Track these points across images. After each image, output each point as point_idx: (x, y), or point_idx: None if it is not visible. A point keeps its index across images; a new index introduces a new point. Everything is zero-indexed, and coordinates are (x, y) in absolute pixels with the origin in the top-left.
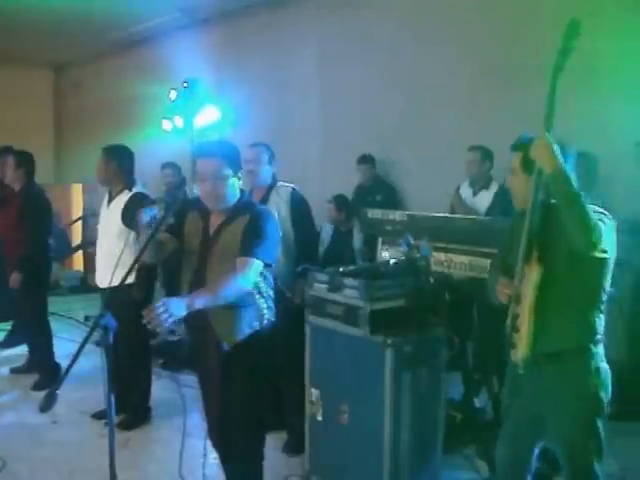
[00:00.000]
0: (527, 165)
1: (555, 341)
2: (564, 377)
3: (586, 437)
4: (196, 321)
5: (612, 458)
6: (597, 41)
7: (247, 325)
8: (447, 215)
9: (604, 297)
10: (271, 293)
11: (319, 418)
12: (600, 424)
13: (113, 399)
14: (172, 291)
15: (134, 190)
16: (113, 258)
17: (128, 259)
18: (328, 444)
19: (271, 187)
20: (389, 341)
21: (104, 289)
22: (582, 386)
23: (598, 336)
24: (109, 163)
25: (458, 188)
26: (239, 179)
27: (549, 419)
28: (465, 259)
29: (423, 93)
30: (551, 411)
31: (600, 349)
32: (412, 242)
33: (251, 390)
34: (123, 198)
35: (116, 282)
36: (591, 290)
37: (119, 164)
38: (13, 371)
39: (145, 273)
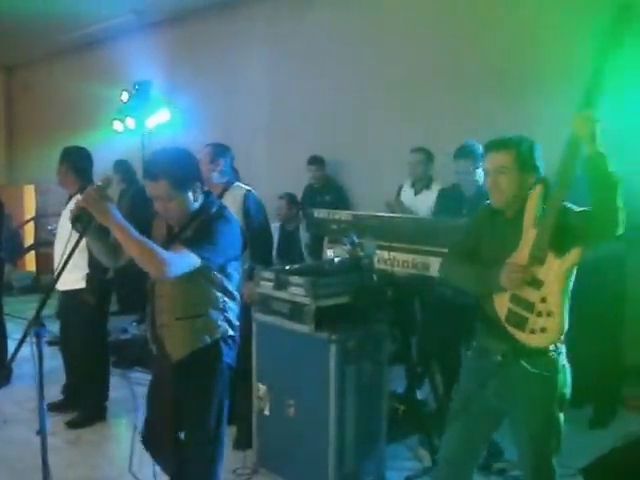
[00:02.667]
0: (521, 164)
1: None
2: (538, 374)
3: (550, 433)
4: (152, 333)
5: None
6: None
7: (196, 338)
8: (391, 215)
9: None
10: (232, 305)
11: (266, 412)
12: (562, 420)
13: (45, 408)
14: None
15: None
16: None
17: (79, 262)
18: (275, 437)
19: (226, 187)
20: (333, 337)
21: (60, 292)
22: (553, 384)
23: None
24: (62, 165)
25: (400, 188)
26: (195, 191)
27: (514, 415)
28: (408, 257)
29: (372, 96)
30: (518, 407)
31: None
32: (356, 241)
33: (200, 402)
34: (74, 201)
35: (63, 286)
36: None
37: (72, 166)
38: None
39: (96, 278)
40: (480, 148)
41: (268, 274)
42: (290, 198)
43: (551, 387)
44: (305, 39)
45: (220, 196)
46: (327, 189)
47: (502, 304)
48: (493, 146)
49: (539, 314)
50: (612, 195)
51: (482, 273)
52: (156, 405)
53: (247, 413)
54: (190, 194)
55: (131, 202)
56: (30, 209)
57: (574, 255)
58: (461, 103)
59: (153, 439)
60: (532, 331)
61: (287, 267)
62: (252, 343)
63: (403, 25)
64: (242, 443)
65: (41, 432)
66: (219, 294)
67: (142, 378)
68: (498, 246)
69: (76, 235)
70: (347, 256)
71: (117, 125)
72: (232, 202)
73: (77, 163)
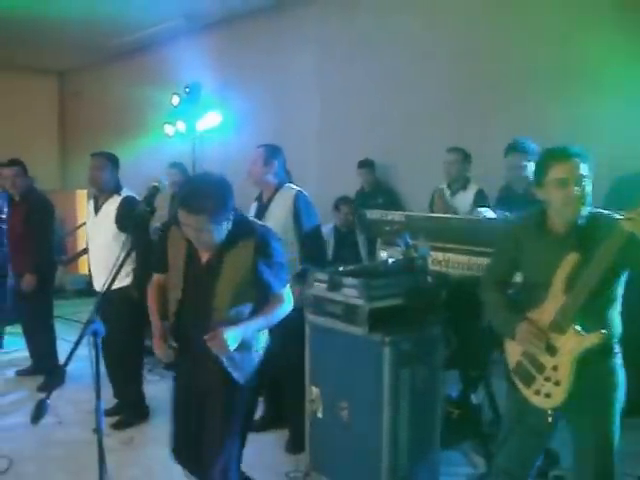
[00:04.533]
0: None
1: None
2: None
3: (613, 436)
4: (200, 354)
5: None
6: (583, 47)
7: (257, 354)
8: (444, 215)
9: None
10: None
11: (319, 415)
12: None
13: (102, 406)
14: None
15: (122, 194)
16: (110, 263)
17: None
18: (328, 441)
19: (278, 188)
20: (387, 339)
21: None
22: (614, 387)
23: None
24: (112, 169)
25: (435, 190)
26: (229, 220)
27: (575, 425)
28: (463, 258)
29: (422, 97)
30: (579, 418)
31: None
32: (410, 242)
33: (251, 413)
34: (113, 203)
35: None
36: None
37: (117, 172)
38: (19, 373)
39: (140, 273)
40: (532, 145)
41: (322, 275)
42: (351, 203)
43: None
44: (355, 39)
45: (271, 197)
46: (378, 192)
47: (515, 352)
48: (578, 154)
49: (547, 379)
50: None
51: (505, 317)
52: (195, 417)
53: (298, 416)
54: (225, 224)
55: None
56: (83, 214)
57: (595, 338)
58: (512, 103)
59: (191, 451)
60: (537, 392)
61: (340, 268)
62: (299, 344)
63: (453, 25)
64: (294, 446)
65: (98, 430)
66: None
67: None
68: (542, 267)
69: (118, 239)
70: (401, 257)
71: (168, 129)
72: (282, 203)
73: (117, 169)
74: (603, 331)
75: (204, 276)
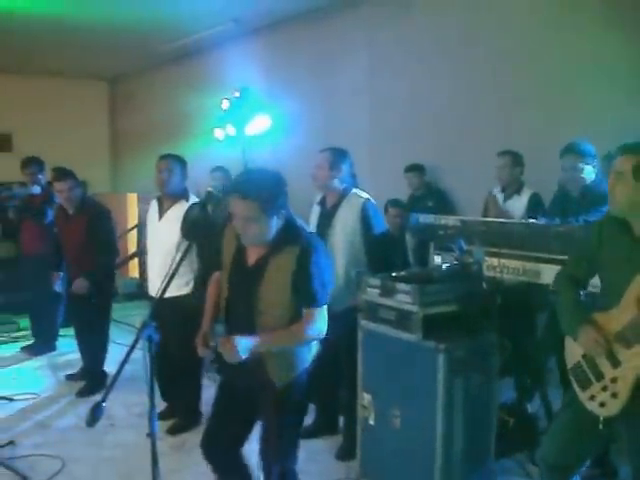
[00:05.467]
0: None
1: None
2: None
3: None
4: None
5: None
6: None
7: (301, 362)
8: (500, 220)
9: None
10: None
11: (371, 422)
12: None
13: (155, 410)
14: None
15: (191, 201)
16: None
17: (186, 270)
18: (380, 448)
19: (344, 194)
20: (441, 346)
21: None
22: None
23: None
24: (181, 172)
25: (490, 193)
26: (279, 217)
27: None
28: (518, 264)
29: (473, 100)
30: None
31: None
32: (464, 247)
33: (296, 425)
34: (180, 209)
35: (171, 293)
36: None
37: (185, 174)
38: (68, 378)
39: (201, 280)
40: (589, 146)
41: (374, 281)
42: (400, 206)
43: None
44: (405, 41)
45: (337, 203)
46: (428, 195)
47: (575, 353)
48: (621, 149)
49: (604, 389)
50: None
51: (570, 316)
52: (233, 416)
53: (352, 424)
54: (275, 219)
55: (228, 213)
56: (133, 217)
57: None
58: (568, 106)
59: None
60: (592, 397)
61: (394, 274)
62: (357, 351)
63: (504, 27)
64: (345, 453)
65: (151, 434)
66: None
67: None
68: (619, 270)
69: (176, 245)
70: (455, 263)
71: (218, 133)
72: (350, 210)
73: (187, 174)
74: None
75: (249, 278)
